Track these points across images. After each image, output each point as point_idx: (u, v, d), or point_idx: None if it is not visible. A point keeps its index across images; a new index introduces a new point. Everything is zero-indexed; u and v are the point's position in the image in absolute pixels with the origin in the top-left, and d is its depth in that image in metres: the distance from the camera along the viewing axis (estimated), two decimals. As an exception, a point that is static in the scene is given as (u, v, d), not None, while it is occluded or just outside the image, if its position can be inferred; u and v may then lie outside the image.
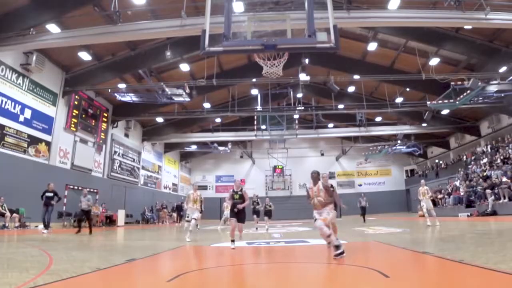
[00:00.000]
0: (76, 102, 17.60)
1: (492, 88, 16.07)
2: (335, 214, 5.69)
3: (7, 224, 12.12)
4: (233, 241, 6.50)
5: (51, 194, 11.39)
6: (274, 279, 3.32)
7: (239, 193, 6.80)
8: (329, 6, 5.55)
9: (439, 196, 20.55)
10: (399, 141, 24.89)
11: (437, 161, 29.59)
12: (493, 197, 14.51)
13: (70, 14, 12.41)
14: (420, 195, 11.34)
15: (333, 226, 5.83)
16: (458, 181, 20.49)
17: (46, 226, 11.17)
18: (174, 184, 31.03)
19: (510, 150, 17.93)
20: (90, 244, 8.16)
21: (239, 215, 6.74)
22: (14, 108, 13.78)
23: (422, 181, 12.10)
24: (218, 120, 25.87)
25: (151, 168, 26.83)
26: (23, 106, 14.19)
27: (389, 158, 32.31)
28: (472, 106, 18.81)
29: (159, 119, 24.04)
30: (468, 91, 15.58)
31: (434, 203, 20.64)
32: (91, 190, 18.40)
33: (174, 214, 24.67)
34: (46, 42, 12.17)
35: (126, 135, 23.17)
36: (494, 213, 14.15)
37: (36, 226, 13.87)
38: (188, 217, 9.28)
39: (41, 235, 10.03)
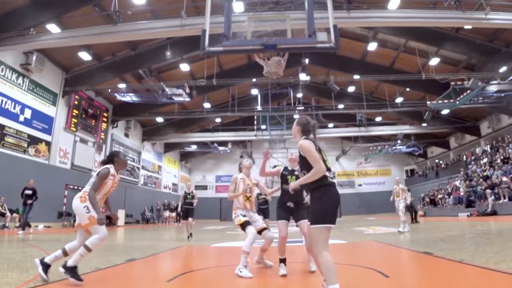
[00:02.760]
0: (76, 102, 17.61)
1: (492, 88, 16.10)
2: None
3: (7, 224, 12.13)
4: (283, 260, 3.61)
5: (30, 192, 10.76)
6: (274, 278, 3.32)
7: (296, 173, 3.86)
8: (329, 6, 5.55)
9: (439, 196, 20.56)
10: (399, 141, 24.90)
11: (437, 161, 29.59)
12: (493, 197, 14.51)
13: (70, 14, 12.41)
14: (394, 195, 9.85)
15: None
16: (458, 181, 20.49)
17: (23, 226, 10.62)
18: (174, 184, 31.05)
19: (510, 150, 17.93)
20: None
21: (296, 212, 3.85)
22: (14, 108, 13.78)
23: (397, 178, 10.74)
24: (218, 120, 25.89)
25: (151, 168, 26.84)
26: (23, 106, 14.20)
27: (389, 158, 32.30)
28: (472, 106, 18.82)
29: (159, 119, 24.06)
30: (468, 91, 15.60)
31: (435, 203, 20.74)
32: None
33: (173, 214, 24.66)
34: (46, 42, 12.18)
35: (126, 135, 23.18)
36: (494, 213, 14.15)
37: (36, 226, 13.89)
38: (238, 219, 4.05)
39: (25, 235, 9.82)
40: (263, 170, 3.96)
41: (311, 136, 2.69)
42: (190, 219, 9.42)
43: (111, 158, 3.67)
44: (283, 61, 6.49)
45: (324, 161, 2.49)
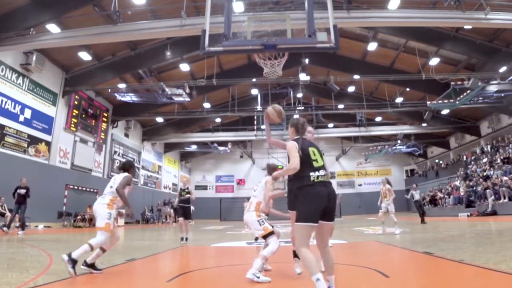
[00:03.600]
0: (76, 102, 17.61)
1: (492, 88, 16.11)
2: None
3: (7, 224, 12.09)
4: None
5: (23, 191, 10.49)
6: (274, 278, 3.31)
7: None
8: (329, 6, 5.56)
9: (439, 195, 20.56)
10: (399, 141, 24.90)
11: (437, 161, 29.59)
12: (493, 197, 14.51)
13: (70, 14, 12.41)
14: (381, 196, 9.27)
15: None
16: (458, 181, 20.50)
17: (22, 226, 10.64)
18: (174, 184, 31.05)
19: (510, 150, 17.94)
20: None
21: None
22: (14, 108, 13.78)
23: (384, 178, 9.80)
24: (218, 120, 25.88)
25: (151, 168, 26.84)
26: (23, 106, 14.20)
27: (389, 158, 32.30)
28: (472, 106, 18.82)
29: (159, 119, 24.05)
30: (468, 91, 15.61)
31: (435, 203, 20.74)
32: (91, 190, 18.46)
33: (173, 213, 24.63)
34: (46, 42, 12.18)
35: (126, 135, 23.18)
36: (494, 213, 14.16)
37: (36, 226, 13.89)
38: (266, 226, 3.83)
39: (25, 235, 9.94)
40: (268, 132, 3.73)
41: (305, 134, 2.83)
42: (183, 219, 8.01)
43: (128, 168, 4.20)
44: (282, 60, 6.44)
45: (313, 159, 2.56)
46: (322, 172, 2.52)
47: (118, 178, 3.99)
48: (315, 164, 2.54)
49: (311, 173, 2.49)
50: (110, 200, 3.80)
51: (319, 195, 2.44)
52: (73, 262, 3.42)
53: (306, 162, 2.52)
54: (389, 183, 9.50)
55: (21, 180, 10.74)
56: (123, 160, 22.44)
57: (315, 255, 2.40)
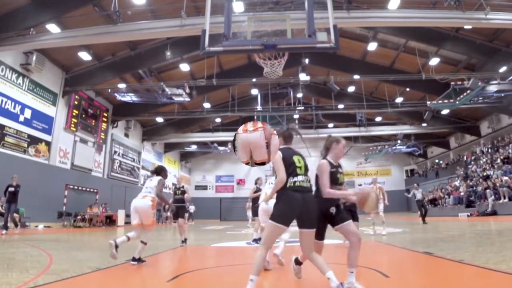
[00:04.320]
0: (76, 102, 17.60)
1: (492, 88, 16.11)
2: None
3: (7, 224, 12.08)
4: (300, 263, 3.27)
5: (13, 189, 10.18)
6: (274, 279, 3.32)
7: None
8: (329, 6, 5.56)
9: (439, 194, 20.56)
10: (399, 141, 24.90)
11: (437, 161, 29.58)
12: (493, 197, 14.52)
13: (70, 14, 12.41)
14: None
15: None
16: (458, 181, 20.49)
17: (15, 225, 10.53)
18: (174, 184, 31.03)
19: (510, 150, 17.94)
20: (90, 244, 8.16)
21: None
22: (14, 108, 13.78)
23: (374, 177, 9.88)
24: (218, 120, 25.89)
25: (151, 168, 26.81)
26: (23, 106, 14.19)
27: (389, 158, 32.30)
28: (472, 106, 18.82)
29: (159, 119, 24.05)
30: (468, 91, 15.61)
31: (435, 203, 20.74)
32: (91, 190, 18.47)
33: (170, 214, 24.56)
34: (46, 42, 12.18)
35: (126, 135, 23.18)
36: (494, 213, 14.16)
37: (36, 226, 13.90)
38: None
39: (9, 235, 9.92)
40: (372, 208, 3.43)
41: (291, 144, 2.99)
42: (180, 220, 7.68)
43: (160, 171, 4.98)
44: (282, 60, 6.45)
45: (297, 166, 2.68)
46: (300, 178, 2.63)
47: (154, 180, 4.73)
48: (298, 171, 2.66)
49: (289, 178, 2.61)
50: (152, 201, 4.52)
51: (293, 200, 2.54)
52: (139, 260, 4.36)
53: (289, 169, 2.64)
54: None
55: (12, 178, 10.33)
56: (123, 160, 22.47)
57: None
